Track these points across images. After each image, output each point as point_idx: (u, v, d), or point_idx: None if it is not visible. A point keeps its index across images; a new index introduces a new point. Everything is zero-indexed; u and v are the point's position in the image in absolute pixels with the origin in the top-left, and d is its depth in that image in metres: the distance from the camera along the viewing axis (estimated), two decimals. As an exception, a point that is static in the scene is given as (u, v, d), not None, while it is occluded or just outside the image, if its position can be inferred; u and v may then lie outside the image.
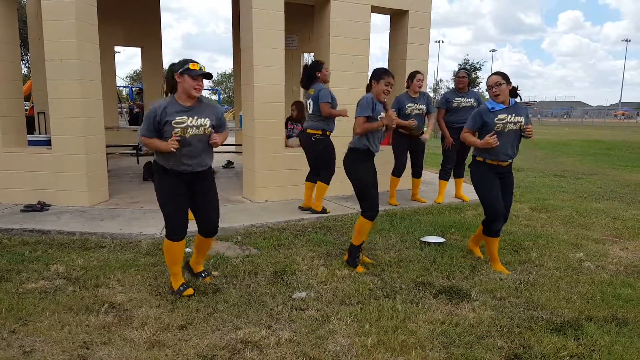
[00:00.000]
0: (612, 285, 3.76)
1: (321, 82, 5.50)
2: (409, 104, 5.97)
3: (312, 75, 5.52)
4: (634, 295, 3.56)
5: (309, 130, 5.49)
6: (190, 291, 3.41)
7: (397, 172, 6.34)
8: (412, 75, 6.06)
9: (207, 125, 3.27)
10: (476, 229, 5.21)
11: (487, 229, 4.06)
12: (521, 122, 3.84)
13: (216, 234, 3.64)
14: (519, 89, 3.93)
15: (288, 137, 6.98)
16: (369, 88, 4.06)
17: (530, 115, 4.07)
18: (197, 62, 3.16)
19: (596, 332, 2.97)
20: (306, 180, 5.82)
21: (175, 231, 3.36)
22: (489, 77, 3.94)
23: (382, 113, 3.95)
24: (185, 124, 3.18)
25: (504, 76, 3.87)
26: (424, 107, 6.04)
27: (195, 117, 3.22)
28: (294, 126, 7.17)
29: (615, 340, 2.88)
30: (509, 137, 3.86)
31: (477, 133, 4.01)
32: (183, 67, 3.13)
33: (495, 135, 3.80)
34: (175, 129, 3.15)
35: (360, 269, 3.98)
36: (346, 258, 4.12)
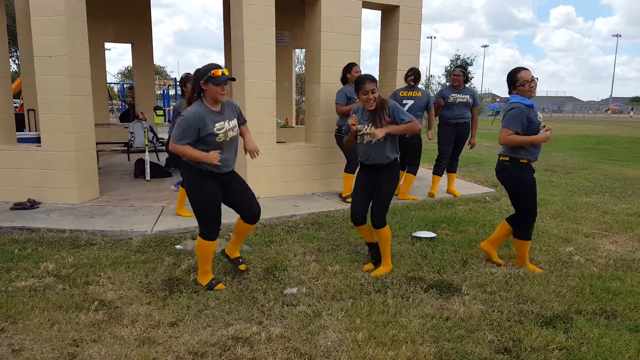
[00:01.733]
0: (601, 278, 3.80)
1: (351, 84, 5.76)
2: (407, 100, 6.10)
3: (344, 76, 5.99)
4: (623, 288, 3.60)
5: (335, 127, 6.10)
6: (221, 286, 3.50)
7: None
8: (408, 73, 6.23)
9: (237, 124, 3.45)
10: (467, 224, 5.25)
11: (527, 233, 3.95)
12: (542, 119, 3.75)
13: (258, 219, 3.70)
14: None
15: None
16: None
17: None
18: (219, 67, 3.24)
19: (585, 325, 3.00)
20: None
21: (213, 232, 3.46)
22: (524, 70, 3.75)
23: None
24: (224, 129, 3.32)
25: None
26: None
27: (227, 120, 3.35)
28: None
29: (604, 333, 2.91)
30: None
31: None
32: (206, 76, 3.21)
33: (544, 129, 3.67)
34: (219, 135, 3.28)
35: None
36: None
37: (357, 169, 4.02)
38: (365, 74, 3.83)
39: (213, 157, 3.23)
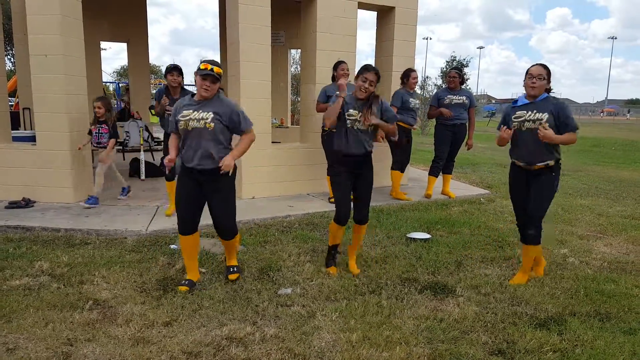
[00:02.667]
0: (595, 280, 3.81)
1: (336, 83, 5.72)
2: (411, 99, 6.24)
3: (333, 74, 5.84)
4: (617, 290, 3.62)
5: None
6: (183, 288, 3.44)
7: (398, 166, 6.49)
8: (407, 73, 6.31)
9: (209, 120, 3.29)
10: (461, 226, 5.27)
11: (521, 235, 3.85)
12: (542, 120, 3.43)
13: (232, 237, 3.62)
14: (552, 90, 3.62)
15: (97, 143, 5.71)
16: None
17: (571, 112, 3.54)
18: (209, 63, 3.26)
19: (579, 327, 3.01)
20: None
21: (182, 225, 3.47)
22: (533, 65, 3.56)
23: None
24: (187, 117, 3.32)
25: (548, 71, 3.51)
26: (417, 102, 6.37)
27: (198, 111, 3.32)
28: (99, 128, 5.66)
29: (598, 335, 2.92)
30: (528, 136, 3.51)
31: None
32: (197, 67, 3.30)
33: (509, 132, 3.54)
34: (180, 122, 3.33)
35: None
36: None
37: (333, 171, 3.84)
38: (373, 66, 3.77)
39: (168, 158, 3.43)
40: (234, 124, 3.41)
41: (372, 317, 3.09)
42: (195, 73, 3.30)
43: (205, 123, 3.28)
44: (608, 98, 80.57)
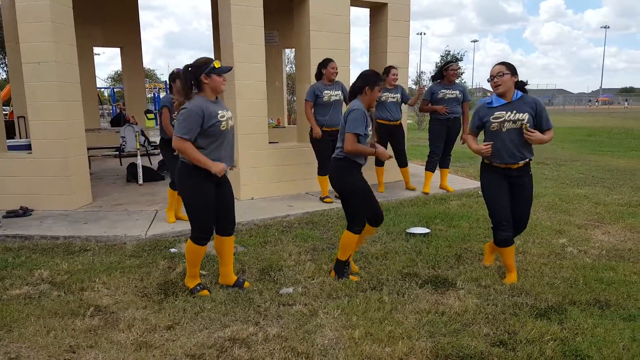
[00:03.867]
0: (594, 269, 3.83)
1: (325, 80, 5.77)
2: (385, 93, 6.30)
3: (319, 72, 5.80)
4: (616, 278, 3.63)
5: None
6: (206, 292, 3.43)
7: (380, 161, 6.61)
8: (387, 70, 6.35)
9: (231, 118, 3.39)
10: (460, 219, 5.28)
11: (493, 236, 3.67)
12: (523, 120, 3.37)
13: (234, 230, 3.61)
14: (527, 83, 3.53)
15: None
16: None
17: (538, 107, 3.45)
18: (214, 60, 3.25)
19: (579, 316, 3.02)
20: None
21: (205, 236, 3.40)
22: (493, 67, 3.50)
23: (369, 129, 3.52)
24: (226, 117, 3.29)
25: (508, 66, 3.44)
26: (398, 95, 6.42)
27: (226, 110, 3.33)
28: None
29: (598, 322, 2.94)
30: (510, 136, 3.42)
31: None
32: (208, 69, 3.19)
33: (490, 145, 3.43)
34: (222, 123, 3.23)
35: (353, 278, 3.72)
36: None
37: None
38: (377, 72, 3.62)
39: (221, 168, 3.20)
40: None
41: (374, 313, 3.10)
42: (205, 75, 3.18)
43: (232, 122, 3.39)
44: (602, 87, 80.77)
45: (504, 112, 3.42)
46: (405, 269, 3.86)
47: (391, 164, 6.51)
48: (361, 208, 3.61)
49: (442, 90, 6.30)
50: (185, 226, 4.77)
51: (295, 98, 10.14)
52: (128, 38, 11.19)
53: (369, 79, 3.49)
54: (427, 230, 4.82)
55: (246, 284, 3.58)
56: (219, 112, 3.24)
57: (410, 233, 4.76)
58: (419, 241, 4.54)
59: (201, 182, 3.28)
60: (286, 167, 6.48)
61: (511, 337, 2.80)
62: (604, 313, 3.09)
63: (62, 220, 5.28)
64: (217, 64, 3.22)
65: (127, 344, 2.77)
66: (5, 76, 20.36)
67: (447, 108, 6.24)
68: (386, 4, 6.88)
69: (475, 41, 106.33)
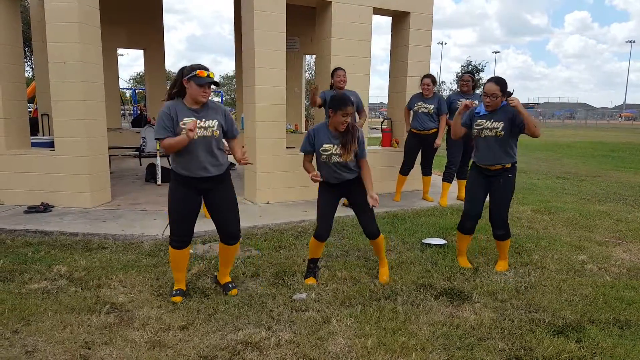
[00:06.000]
0: (614, 287, 3.75)
1: (336, 89, 5.67)
2: (418, 103, 6.34)
3: (331, 83, 5.76)
4: (637, 297, 3.55)
5: None
6: (178, 299, 3.37)
7: (405, 170, 6.58)
8: (421, 79, 6.39)
9: (215, 127, 3.25)
10: (477, 231, 5.21)
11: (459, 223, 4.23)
12: (498, 128, 3.80)
13: (238, 240, 3.56)
14: (512, 93, 3.82)
15: None
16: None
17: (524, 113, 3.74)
18: (205, 69, 3.15)
19: (598, 335, 2.96)
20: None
21: (178, 240, 3.38)
22: (488, 82, 3.84)
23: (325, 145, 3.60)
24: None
25: (502, 87, 3.77)
26: (432, 106, 6.29)
27: (203, 119, 3.21)
28: None
29: (617, 342, 2.87)
30: (487, 142, 3.89)
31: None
32: (190, 74, 3.13)
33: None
34: (183, 130, 3.11)
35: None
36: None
37: (320, 185, 3.78)
38: (347, 95, 3.64)
39: (187, 133, 3.01)
40: (229, 127, 3.38)
41: (387, 322, 3.08)
42: (187, 79, 3.13)
43: (213, 131, 3.24)
44: (626, 102, 79.36)
45: (484, 121, 3.89)
46: (420, 280, 3.82)
47: (415, 172, 6.61)
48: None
49: (461, 100, 6.26)
50: (200, 228, 4.78)
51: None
52: (151, 40, 11.37)
53: (331, 103, 3.54)
54: (444, 242, 4.78)
55: (233, 291, 3.51)
56: (188, 118, 3.14)
57: (426, 243, 4.72)
58: (434, 252, 4.49)
59: (180, 190, 3.30)
60: (303, 172, 6.45)
61: (527, 354, 2.75)
62: (624, 333, 3.02)
63: (81, 217, 5.36)
64: (201, 73, 3.11)
65: (141, 342, 2.79)
66: (30, 74, 20.80)
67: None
68: (409, 12, 6.88)
69: (496, 52, 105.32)
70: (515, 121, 3.78)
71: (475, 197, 4.09)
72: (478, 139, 3.96)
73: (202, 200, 3.44)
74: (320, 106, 5.63)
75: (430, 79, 6.26)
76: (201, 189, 3.35)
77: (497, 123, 3.83)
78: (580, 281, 3.87)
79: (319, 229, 3.70)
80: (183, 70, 3.21)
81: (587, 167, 11.42)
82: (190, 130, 3.02)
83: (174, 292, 3.43)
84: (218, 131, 3.27)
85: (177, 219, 3.35)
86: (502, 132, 3.81)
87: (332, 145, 3.58)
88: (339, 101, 3.51)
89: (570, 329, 3.05)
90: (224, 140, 3.41)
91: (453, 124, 4.13)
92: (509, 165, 3.94)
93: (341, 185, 3.72)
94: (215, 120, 3.26)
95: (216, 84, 3.23)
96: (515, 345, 2.85)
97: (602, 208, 6.69)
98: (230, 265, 3.63)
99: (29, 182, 5.86)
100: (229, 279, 3.63)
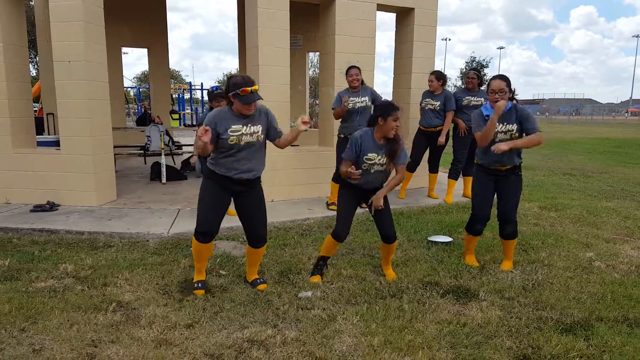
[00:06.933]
0: (623, 285, 3.72)
1: (350, 88, 5.62)
2: (426, 99, 6.29)
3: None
4: (645, 295, 3.52)
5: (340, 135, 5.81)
6: (200, 292, 3.45)
7: (411, 167, 6.49)
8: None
9: (260, 132, 3.36)
10: (484, 229, 5.18)
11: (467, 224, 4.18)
12: (512, 130, 3.76)
13: (265, 243, 3.61)
14: (515, 93, 3.83)
15: None
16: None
17: (530, 114, 3.85)
18: (248, 84, 3.19)
19: (607, 333, 2.94)
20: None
21: (203, 234, 3.42)
22: (493, 80, 3.79)
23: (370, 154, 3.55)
24: (239, 132, 3.28)
25: (508, 83, 3.75)
26: (438, 103, 6.18)
27: (249, 125, 3.31)
28: None
29: (626, 340, 2.85)
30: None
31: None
32: (234, 91, 3.20)
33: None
34: (231, 137, 3.24)
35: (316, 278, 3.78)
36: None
37: (344, 186, 3.75)
38: (391, 101, 3.66)
39: (199, 132, 3.06)
40: (269, 125, 3.47)
41: (393, 321, 3.06)
42: (232, 95, 3.21)
43: (258, 136, 3.35)
44: (633, 98, 78.81)
45: (498, 124, 3.76)
46: (426, 278, 3.81)
47: (420, 169, 6.57)
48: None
49: (467, 97, 6.23)
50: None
51: (317, 102, 10.16)
52: (155, 39, 11.36)
53: (380, 111, 3.51)
54: (449, 239, 4.75)
55: (262, 286, 3.57)
56: (234, 126, 3.26)
57: (432, 241, 4.70)
58: (440, 250, 4.47)
59: (209, 183, 3.39)
60: (307, 170, 6.48)
61: (535, 352, 2.73)
62: (633, 331, 2.99)
63: (87, 215, 5.37)
64: (243, 92, 3.17)
65: (147, 340, 2.80)
66: (35, 73, 20.88)
67: (466, 128, 6.16)
68: (413, 9, 6.84)
69: (501, 48, 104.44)
70: (523, 125, 3.78)
71: (484, 199, 4.02)
72: (491, 141, 3.83)
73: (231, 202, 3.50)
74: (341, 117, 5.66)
75: (434, 75, 6.19)
76: (234, 191, 3.42)
77: (510, 125, 3.79)
78: (588, 279, 3.85)
79: (338, 229, 3.67)
80: (230, 83, 3.26)
81: (593, 164, 11.35)
82: (200, 137, 3.08)
83: (195, 285, 3.50)
84: (262, 135, 3.40)
85: (208, 211, 3.39)
86: (517, 134, 3.79)
87: (377, 155, 3.56)
88: (387, 107, 3.50)
89: (578, 327, 3.03)
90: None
91: (487, 132, 3.74)
92: (519, 164, 3.95)
93: (368, 190, 3.70)
94: (259, 125, 3.37)
95: (259, 98, 3.29)
96: (523, 343, 2.83)
97: (609, 205, 6.65)
98: (257, 265, 3.69)
99: (35, 181, 5.88)
100: (257, 276, 3.69)
